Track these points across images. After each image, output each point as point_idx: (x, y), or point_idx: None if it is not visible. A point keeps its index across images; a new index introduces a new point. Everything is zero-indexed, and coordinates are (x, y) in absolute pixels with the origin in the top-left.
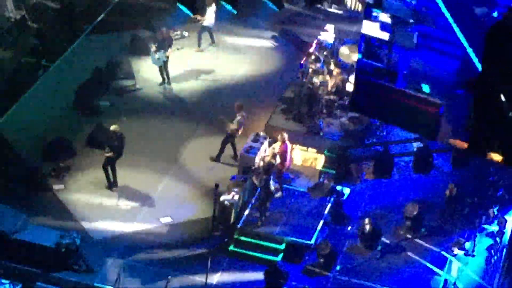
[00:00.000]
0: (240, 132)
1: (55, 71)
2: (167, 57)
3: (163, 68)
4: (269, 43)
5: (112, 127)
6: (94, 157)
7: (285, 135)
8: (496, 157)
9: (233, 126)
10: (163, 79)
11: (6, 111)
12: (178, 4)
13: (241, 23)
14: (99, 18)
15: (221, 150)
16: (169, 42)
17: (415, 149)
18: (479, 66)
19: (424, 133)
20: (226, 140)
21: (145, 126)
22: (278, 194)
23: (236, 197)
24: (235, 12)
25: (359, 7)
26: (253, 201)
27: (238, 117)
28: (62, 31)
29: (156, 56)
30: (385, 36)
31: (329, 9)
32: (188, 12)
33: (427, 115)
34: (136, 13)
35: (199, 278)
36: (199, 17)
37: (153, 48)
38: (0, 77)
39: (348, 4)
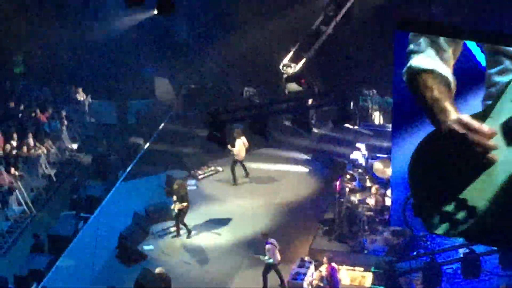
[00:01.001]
0: (278, 258)
1: (95, 221)
2: (179, 210)
3: (177, 220)
4: (302, 168)
5: (158, 270)
6: None
7: (330, 256)
8: None
9: (262, 256)
10: (177, 231)
11: (50, 267)
12: (208, 140)
13: (273, 151)
14: (133, 163)
15: (265, 282)
16: (183, 194)
17: (461, 255)
18: None
19: None
20: (266, 271)
21: (192, 264)
22: None
23: None
24: (266, 141)
25: (386, 123)
26: None
27: (268, 246)
28: (96, 181)
29: (172, 207)
30: None
31: (357, 127)
32: (218, 146)
33: None
34: (168, 156)
35: None
36: (230, 148)
37: (174, 198)
38: (43, 234)
39: (376, 121)
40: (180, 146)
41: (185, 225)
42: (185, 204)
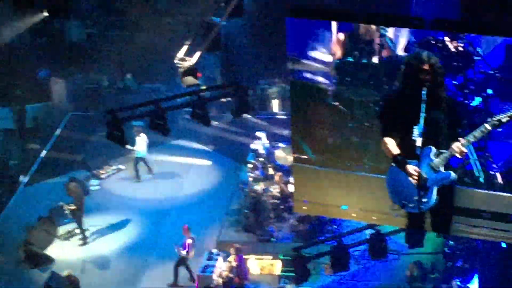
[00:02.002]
0: (192, 254)
1: None
2: (70, 210)
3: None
4: (205, 161)
5: (66, 273)
6: None
7: (238, 247)
8: None
9: (183, 250)
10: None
11: None
12: (108, 139)
13: (175, 146)
14: (34, 168)
15: (176, 274)
16: (73, 196)
17: (368, 236)
18: None
19: None
20: (178, 264)
21: (99, 265)
22: None
23: None
24: (166, 137)
25: (285, 111)
26: None
27: (189, 240)
28: None
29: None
30: None
31: (257, 117)
32: (118, 145)
33: None
34: (69, 158)
35: None
36: (131, 148)
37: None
38: None
39: (275, 109)
40: (81, 147)
41: (81, 228)
42: (72, 206)
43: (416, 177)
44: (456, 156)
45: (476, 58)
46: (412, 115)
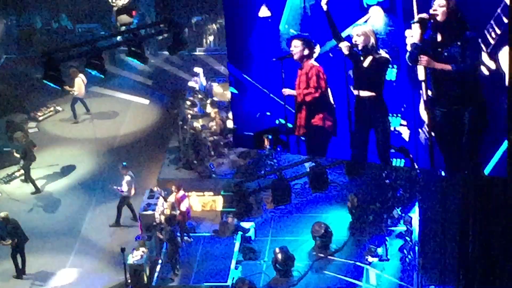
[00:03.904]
0: (133, 192)
1: None
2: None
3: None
4: (143, 99)
5: (2, 214)
6: None
7: (179, 184)
8: None
9: (123, 188)
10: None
11: None
12: (44, 81)
13: (112, 85)
14: None
15: (119, 214)
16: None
17: (308, 169)
18: None
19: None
20: (121, 204)
21: (42, 207)
22: (189, 240)
23: (144, 256)
24: (103, 77)
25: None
26: (162, 256)
27: (127, 178)
28: None
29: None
30: None
31: (193, 53)
32: (55, 86)
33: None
34: (5, 100)
35: None
36: (68, 89)
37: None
38: None
39: (212, 45)
40: (17, 89)
41: (32, 181)
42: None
43: None
44: None
45: None
46: None
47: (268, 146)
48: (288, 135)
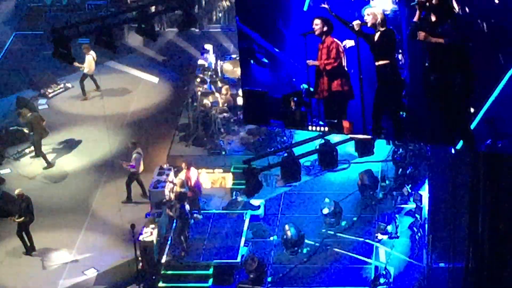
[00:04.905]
0: (141, 168)
1: None
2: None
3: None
4: (153, 76)
5: (17, 191)
6: (6, 226)
7: (189, 161)
8: None
9: (128, 164)
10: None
11: None
12: (54, 57)
13: (121, 62)
14: None
15: (129, 191)
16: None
17: (317, 147)
18: None
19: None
20: (129, 180)
21: (51, 184)
22: (199, 217)
23: (155, 233)
24: (114, 53)
25: (231, 23)
26: (172, 233)
27: (134, 155)
28: None
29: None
30: None
31: (204, 30)
32: (65, 63)
33: None
34: (16, 77)
35: None
36: (78, 65)
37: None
38: None
39: (222, 22)
40: (27, 66)
41: (43, 155)
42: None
43: None
44: None
45: None
46: None
47: (293, 107)
48: (311, 98)
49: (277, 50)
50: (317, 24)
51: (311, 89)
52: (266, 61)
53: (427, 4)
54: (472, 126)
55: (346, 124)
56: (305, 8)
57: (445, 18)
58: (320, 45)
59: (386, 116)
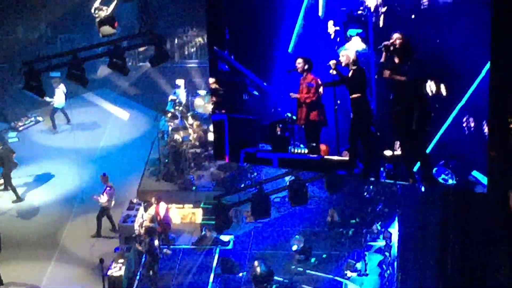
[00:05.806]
0: (112, 202)
1: None
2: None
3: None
4: (124, 111)
5: None
6: None
7: (159, 196)
8: None
9: (103, 199)
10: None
11: None
12: (25, 91)
13: (93, 97)
14: None
15: (99, 225)
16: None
17: (287, 183)
18: None
19: None
20: (101, 214)
21: (21, 216)
22: (168, 252)
23: (123, 268)
24: (84, 87)
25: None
26: (141, 268)
27: (107, 189)
28: None
29: None
30: None
31: (176, 65)
32: (36, 96)
33: None
34: None
35: None
36: (49, 100)
37: None
38: None
39: (194, 57)
40: None
41: (13, 188)
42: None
43: None
44: None
45: None
46: None
47: (279, 132)
48: (293, 124)
49: (265, 84)
50: (299, 62)
51: (294, 117)
52: (256, 93)
53: (392, 48)
54: (428, 150)
55: (323, 147)
56: (290, 50)
57: (406, 59)
58: (302, 80)
59: (359, 142)
